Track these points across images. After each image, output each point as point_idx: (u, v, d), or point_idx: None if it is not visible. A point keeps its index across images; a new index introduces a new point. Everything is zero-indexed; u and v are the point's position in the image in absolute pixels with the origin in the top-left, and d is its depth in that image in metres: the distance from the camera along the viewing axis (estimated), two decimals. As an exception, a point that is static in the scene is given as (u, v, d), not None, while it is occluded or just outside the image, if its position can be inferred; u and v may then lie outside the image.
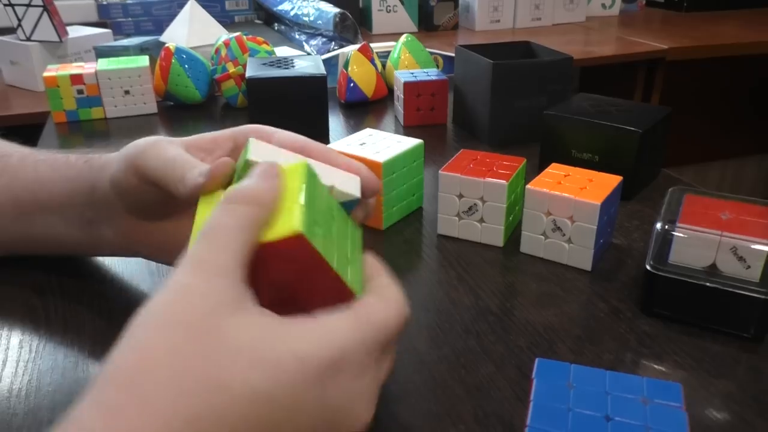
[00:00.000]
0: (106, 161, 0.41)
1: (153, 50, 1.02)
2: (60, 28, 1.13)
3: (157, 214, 0.40)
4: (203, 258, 0.26)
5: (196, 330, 0.24)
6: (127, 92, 0.87)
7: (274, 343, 0.25)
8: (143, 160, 0.36)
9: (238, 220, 0.27)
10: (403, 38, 0.95)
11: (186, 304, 0.24)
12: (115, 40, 1.21)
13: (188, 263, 0.26)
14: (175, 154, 0.35)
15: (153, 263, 0.48)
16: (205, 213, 0.30)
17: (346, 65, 0.90)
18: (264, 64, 0.79)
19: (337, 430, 0.26)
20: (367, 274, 0.32)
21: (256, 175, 0.29)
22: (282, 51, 1.06)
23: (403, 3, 1.60)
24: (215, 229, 0.27)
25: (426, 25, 1.64)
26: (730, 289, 0.40)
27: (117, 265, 0.49)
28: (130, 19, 1.51)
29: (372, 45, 0.95)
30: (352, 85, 0.89)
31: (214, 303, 0.25)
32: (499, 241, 0.52)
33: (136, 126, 0.84)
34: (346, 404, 0.26)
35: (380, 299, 0.30)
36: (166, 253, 0.41)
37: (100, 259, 0.50)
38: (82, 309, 0.45)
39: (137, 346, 0.24)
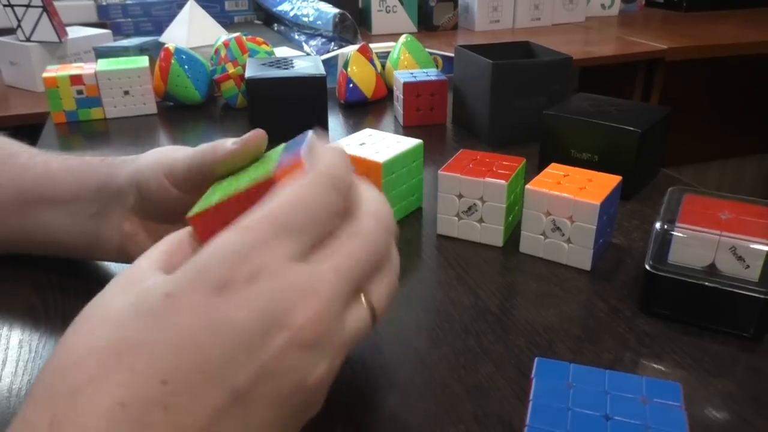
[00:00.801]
0: (126, 160, 0.42)
1: (152, 51, 1.02)
2: (59, 28, 1.13)
3: (167, 218, 0.41)
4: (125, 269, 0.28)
5: (84, 318, 0.25)
6: (126, 93, 0.87)
7: (138, 289, 0.25)
8: (179, 165, 0.38)
9: (172, 236, 0.30)
10: (402, 38, 0.95)
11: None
12: (115, 40, 1.21)
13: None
14: (206, 144, 0.37)
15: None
16: (213, 194, 0.32)
17: (345, 65, 0.90)
18: (263, 64, 0.79)
19: (269, 339, 0.23)
20: None
21: None
22: (281, 51, 1.06)
23: (402, 3, 1.60)
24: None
25: (425, 25, 1.64)
26: (730, 289, 0.40)
27: (117, 264, 0.49)
28: (129, 19, 1.51)
29: (371, 45, 0.95)
30: (351, 85, 0.89)
31: (98, 298, 0.26)
32: (498, 241, 0.52)
33: (136, 126, 0.84)
34: (262, 314, 0.23)
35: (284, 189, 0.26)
36: None
37: (100, 259, 0.50)
38: (82, 308, 0.45)
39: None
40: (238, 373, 0.23)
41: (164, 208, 0.40)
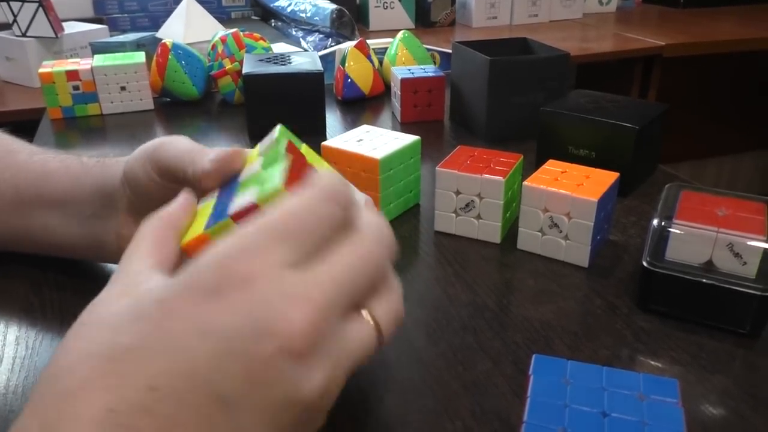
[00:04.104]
0: (120, 159, 0.42)
1: (149, 46, 1.01)
2: (56, 23, 1.12)
3: None
4: (118, 270, 0.28)
5: (80, 324, 0.26)
6: (123, 88, 0.86)
7: (133, 295, 0.25)
8: (161, 150, 0.37)
9: (150, 228, 0.30)
10: (400, 35, 0.95)
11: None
12: (111, 36, 1.21)
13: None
14: (192, 145, 0.36)
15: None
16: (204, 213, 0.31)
17: (343, 62, 0.90)
18: (261, 60, 0.79)
19: (259, 346, 0.22)
20: None
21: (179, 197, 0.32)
22: (279, 47, 1.06)
23: (400, -1, 1.60)
24: (131, 243, 0.29)
25: (423, 21, 1.64)
26: (727, 286, 0.40)
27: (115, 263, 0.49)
28: (126, 15, 1.50)
29: (369, 41, 0.94)
30: (349, 81, 0.89)
31: (97, 301, 0.26)
32: (496, 237, 0.52)
33: (133, 122, 0.84)
34: (255, 316, 0.23)
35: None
36: None
37: (97, 255, 0.50)
38: (79, 305, 0.44)
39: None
40: (224, 380, 0.22)
41: (155, 202, 0.39)
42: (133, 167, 0.39)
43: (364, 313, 0.26)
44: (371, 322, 0.26)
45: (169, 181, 0.37)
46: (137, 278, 0.26)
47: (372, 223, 0.28)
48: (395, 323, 0.28)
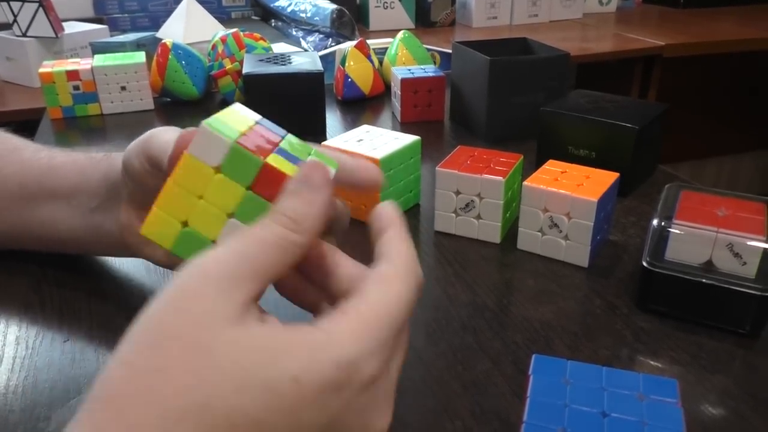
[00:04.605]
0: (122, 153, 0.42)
1: (149, 46, 1.01)
2: (56, 23, 1.12)
3: None
4: (214, 264, 0.24)
5: (186, 346, 0.22)
6: (123, 88, 0.86)
7: (269, 364, 0.23)
8: (151, 141, 0.37)
9: (273, 237, 0.26)
10: (400, 35, 0.95)
11: (180, 315, 0.23)
12: (112, 36, 1.21)
13: (197, 266, 0.24)
14: (176, 136, 0.35)
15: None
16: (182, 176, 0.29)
17: (343, 62, 0.90)
18: (261, 60, 0.79)
19: None
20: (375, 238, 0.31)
21: (302, 194, 0.27)
22: (279, 47, 1.06)
23: (400, -1, 1.60)
24: (244, 237, 0.25)
25: (423, 21, 1.64)
26: (726, 286, 0.40)
27: (115, 261, 0.49)
28: (126, 15, 1.50)
29: (369, 41, 0.94)
30: (349, 81, 0.89)
31: (210, 317, 0.23)
32: (496, 237, 0.52)
33: (133, 122, 0.84)
34: (355, 420, 0.25)
35: (383, 286, 0.27)
36: (165, 255, 0.41)
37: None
38: (79, 305, 0.45)
39: (127, 361, 0.23)
40: None
41: (152, 191, 0.39)
42: (130, 157, 0.39)
43: None
44: None
45: (159, 171, 0.37)
46: (240, 310, 0.24)
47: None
48: None
